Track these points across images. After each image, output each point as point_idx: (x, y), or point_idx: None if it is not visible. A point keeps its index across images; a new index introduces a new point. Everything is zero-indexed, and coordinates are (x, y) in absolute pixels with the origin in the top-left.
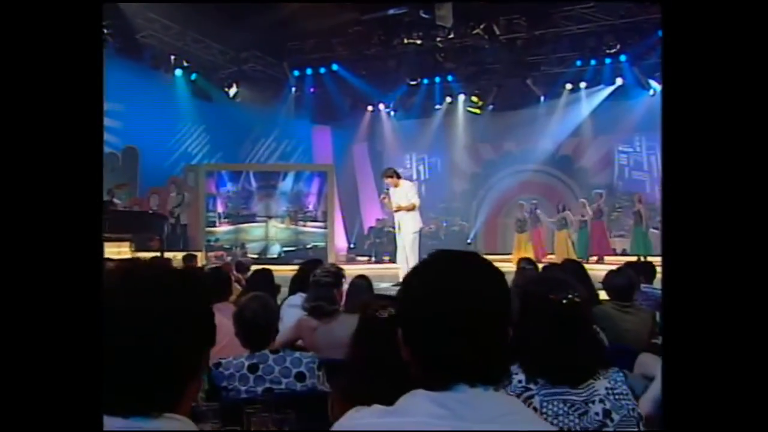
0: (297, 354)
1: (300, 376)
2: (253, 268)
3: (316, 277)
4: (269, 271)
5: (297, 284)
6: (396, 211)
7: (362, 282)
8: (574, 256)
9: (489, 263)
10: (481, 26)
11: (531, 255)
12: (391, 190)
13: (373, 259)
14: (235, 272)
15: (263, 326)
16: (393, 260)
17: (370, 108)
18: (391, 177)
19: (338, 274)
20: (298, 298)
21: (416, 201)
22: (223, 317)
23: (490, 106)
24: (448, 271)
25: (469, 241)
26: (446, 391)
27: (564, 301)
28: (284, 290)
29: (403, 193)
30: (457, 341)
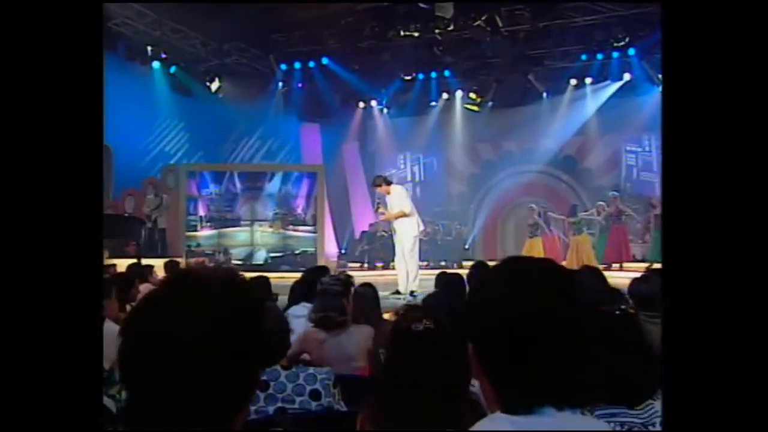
0: (311, 370)
1: (315, 395)
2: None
3: (324, 286)
4: (266, 279)
5: (300, 293)
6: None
7: (368, 291)
8: (594, 262)
9: (570, 272)
10: (483, 18)
11: None
12: (386, 197)
13: (366, 265)
14: None
15: (275, 340)
16: (387, 267)
17: (361, 104)
18: (380, 186)
19: (348, 282)
20: (303, 308)
21: (406, 209)
22: None
23: (490, 103)
24: (533, 280)
25: (466, 246)
26: (531, 415)
27: (617, 313)
28: (281, 299)
29: (395, 199)
30: (545, 360)
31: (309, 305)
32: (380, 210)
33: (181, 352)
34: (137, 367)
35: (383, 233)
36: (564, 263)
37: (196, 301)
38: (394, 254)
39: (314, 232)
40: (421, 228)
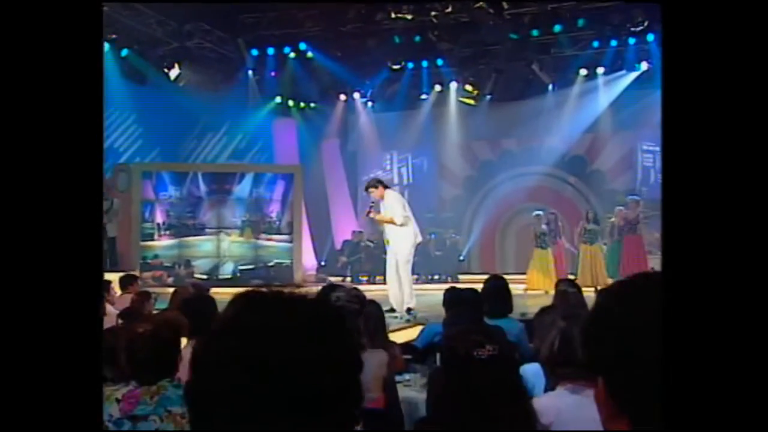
0: None
1: None
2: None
3: (340, 303)
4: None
5: None
6: (381, 223)
7: (374, 309)
8: (605, 277)
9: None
10: None
11: (552, 275)
12: (380, 203)
13: (349, 279)
14: None
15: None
16: (372, 281)
17: (343, 97)
18: (376, 188)
19: (364, 300)
20: None
21: (397, 218)
22: None
23: (488, 96)
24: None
25: (461, 257)
26: None
27: None
28: None
29: (389, 205)
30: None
31: None
32: (372, 214)
33: (284, 375)
34: (229, 397)
35: (368, 243)
36: (576, 279)
37: (289, 323)
38: (382, 266)
39: (290, 242)
40: (419, 239)
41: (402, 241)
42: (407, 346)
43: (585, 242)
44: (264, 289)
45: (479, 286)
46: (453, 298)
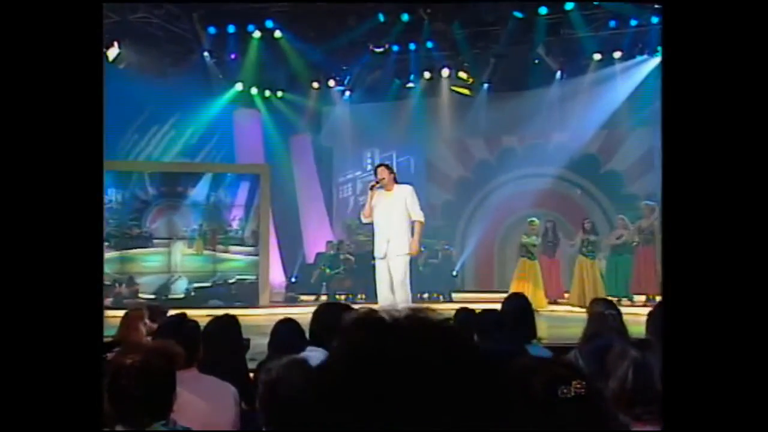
0: None
1: None
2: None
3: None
4: (232, 319)
5: (309, 336)
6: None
7: None
8: (602, 293)
9: None
10: None
11: (540, 291)
12: (379, 194)
13: (324, 298)
14: (148, 322)
15: None
16: (352, 300)
17: (316, 84)
18: (389, 170)
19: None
20: (315, 355)
21: (421, 217)
22: (197, 396)
23: (486, 85)
24: None
25: (453, 272)
26: None
27: None
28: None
29: (398, 201)
30: None
31: (317, 351)
32: (374, 196)
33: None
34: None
35: (348, 256)
36: (568, 295)
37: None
38: (364, 283)
39: (255, 255)
40: (423, 251)
41: (400, 253)
42: None
43: (585, 255)
44: (394, 312)
45: (475, 306)
46: (469, 321)
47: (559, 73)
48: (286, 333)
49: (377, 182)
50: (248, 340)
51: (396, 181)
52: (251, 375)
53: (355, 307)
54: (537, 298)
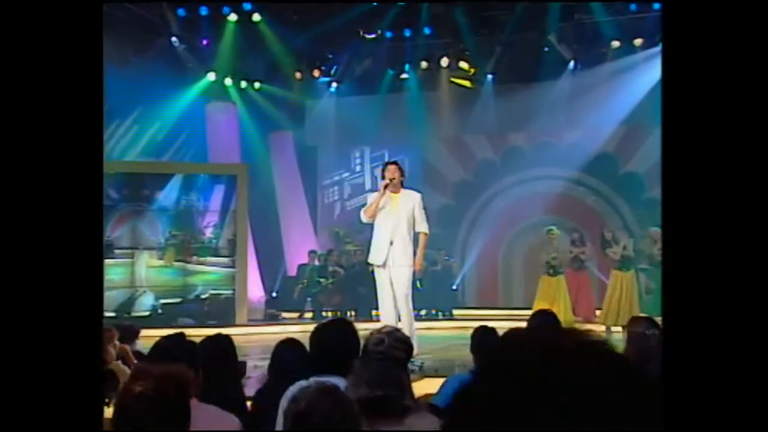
0: None
1: None
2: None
3: (381, 348)
4: (227, 339)
5: (316, 359)
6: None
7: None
8: (638, 311)
9: None
10: None
11: (567, 310)
12: (387, 196)
13: (309, 315)
14: (117, 343)
15: None
16: (342, 315)
17: (299, 75)
18: (401, 170)
19: (411, 345)
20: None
21: (427, 229)
22: (200, 429)
23: (489, 76)
24: None
25: (453, 286)
26: None
27: None
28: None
29: (405, 206)
30: None
31: (332, 379)
32: (384, 195)
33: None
34: None
35: (336, 268)
36: (599, 313)
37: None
38: (356, 299)
39: (231, 266)
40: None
41: (403, 264)
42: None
43: (618, 268)
44: (543, 334)
45: (474, 323)
46: (491, 343)
47: (572, 63)
48: (289, 357)
49: (390, 182)
50: (244, 363)
51: (403, 185)
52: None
53: (370, 326)
54: (565, 317)
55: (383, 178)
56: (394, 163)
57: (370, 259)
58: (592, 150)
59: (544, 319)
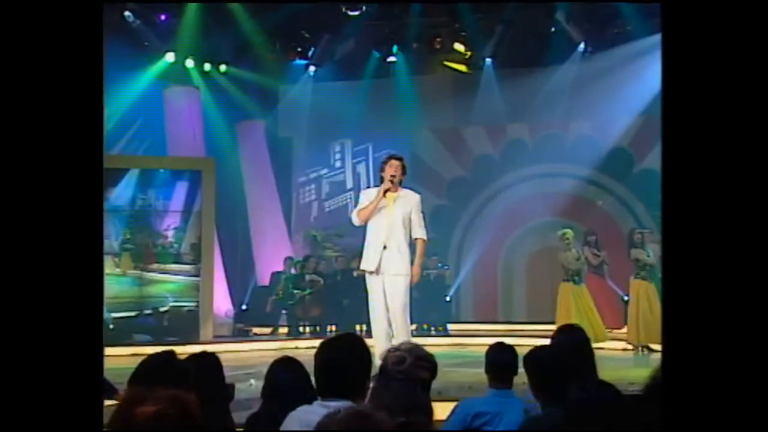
0: None
1: None
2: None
3: (402, 367)
4: (213, 359)
5: (322, 380)
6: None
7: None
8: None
9: None
10: None
11: (599, 323)
12: (387, 197)
13: (285, 330)
14: None
15: None
16: (322, 333)
17: (271, 56)
18: (403, 166)
19: (435, 363)
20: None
21: (425, 235)
22: None
23: (488, 60)
24: None
25: (447, 297)
26: None
27: None
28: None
29: (402, 208)
30: None
31: (337, 403)
32: (386, 194)
33: None
34: None
35: (314, 276)
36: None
37: None
38: (338, 312)
39: (195, 275)
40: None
41: (399, 273)
42: None
43: (640, 277)
44: None
45: (472, 339)
46: (508, 361)
47: (582, 46)
48: (287, 378)
49: (391, 180)
50: (232, 386)
51: (401, 184)
52: None
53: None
54: (598, 331)
55: (382, 174)
56: (400, 159)
57: (362, 265)
58: (604, 144)
59: (573, 336)
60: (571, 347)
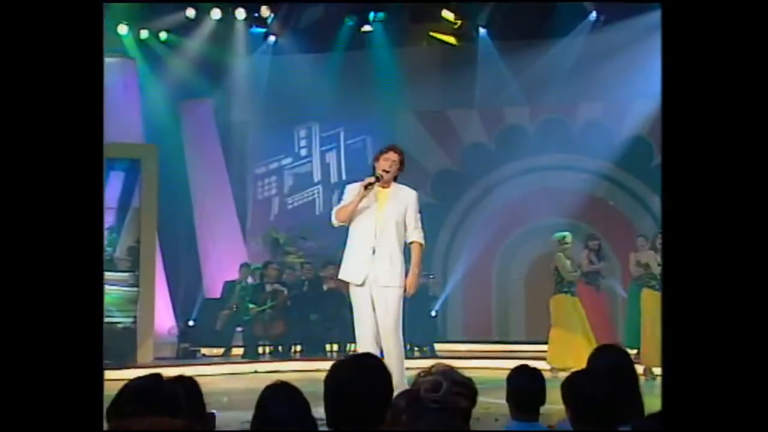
0: None
1: None
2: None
3: (437, 395)
4: (192, 384)
5: (333, 409)
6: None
7: (402, 401)
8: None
9: None
10: None
11: (590, 339)
12: (374, 191)
13: (239, 351)
14: None
15: None
16: (286, 355)
17: (221, 23)
18: (402, 160)
19: (475, 390)
20: None
21: (422, 238)
22: None
23: (481, 30)
24: None
25: (432, 312)
26: None
27: None
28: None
29: (396, 206)
30: None
31: None
32: (368, 188)
33: None
34: None
35: (276, 287)
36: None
37: None
38: (307, 329)
39: (133, 285)
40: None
41: (392, 284)
42: None
43: (648, 285)
44: None
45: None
46: (534, 389)
47: (594, 15)
48: (283, 407)
49: (383, 174)
50: (213, 415)
51: (395, 179)
52: None
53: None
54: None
55: (375, 165)
56: (400, 152)
57: (344, 275)
58: (617, 132)
59: (616, 359)
60: (614, 371)
